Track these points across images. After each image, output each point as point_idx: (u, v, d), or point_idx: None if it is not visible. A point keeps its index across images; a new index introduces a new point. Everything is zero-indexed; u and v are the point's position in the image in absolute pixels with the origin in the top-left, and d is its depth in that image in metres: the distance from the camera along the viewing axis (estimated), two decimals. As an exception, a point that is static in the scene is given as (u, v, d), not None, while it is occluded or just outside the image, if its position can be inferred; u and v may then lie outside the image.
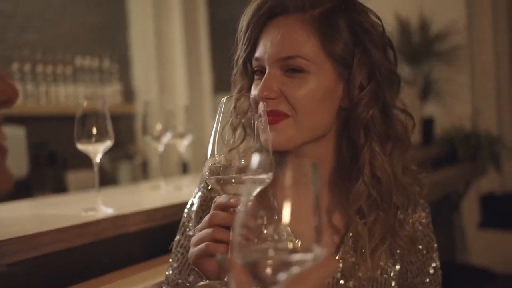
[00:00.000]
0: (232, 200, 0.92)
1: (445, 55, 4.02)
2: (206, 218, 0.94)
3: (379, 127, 1.09)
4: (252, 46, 1.11)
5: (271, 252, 0.62)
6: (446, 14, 4.03)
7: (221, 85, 4.89)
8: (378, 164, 1.09)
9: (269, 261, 0.61)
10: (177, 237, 1.18)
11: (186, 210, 1.19)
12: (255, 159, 0.77)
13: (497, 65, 4.30)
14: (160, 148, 2.15)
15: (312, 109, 1.06)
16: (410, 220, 1.17)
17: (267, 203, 0.66)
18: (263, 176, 0.86)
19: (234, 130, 1.08)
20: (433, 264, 1.23)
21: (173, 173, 3.37)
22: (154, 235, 1.56)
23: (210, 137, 0.95)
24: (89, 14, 4.63)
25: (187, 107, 2.41)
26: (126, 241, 1.54)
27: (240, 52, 1.13)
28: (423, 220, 1.20)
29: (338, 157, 1.14)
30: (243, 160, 0.94)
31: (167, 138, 2.12)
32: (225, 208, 0.93)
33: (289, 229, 0.62)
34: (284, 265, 0.61)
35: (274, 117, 1.04)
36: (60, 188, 3.83)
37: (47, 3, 4.30)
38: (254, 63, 1.10)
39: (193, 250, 0.95)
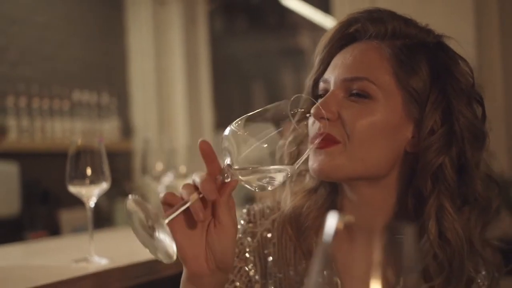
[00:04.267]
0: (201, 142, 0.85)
1: (455, 96, 3.91)
2: None
3: (451, 181, 0.95)
4: (324, 68, 1.02)
5: None
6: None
7: (222, 123, 4.76)
8: (448, 224, 0.94)
9: None
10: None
11: None
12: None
13: (508, 108, 4.19)
14: (161, 189, 2.00)
15: (368, 140, 0.94)
16: None
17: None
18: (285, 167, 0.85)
19: (289, 154, 1.00)
20: None
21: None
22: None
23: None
24: (87, 50, 4.51)
25: (190, 146, 2.27)
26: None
27: (311, 73, 1.05)
28: None
29: (400, 209, 0.99)
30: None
31: (168, 179, 1.97)
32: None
33: None
34: None
35: (324, 141, 0.93)
36: (52, 227, 3.67)
37: (42, 38, 4.17)
38: (320, 85, 1.01)
39: None
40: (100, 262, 1.36)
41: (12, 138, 3.72)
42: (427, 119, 0.95)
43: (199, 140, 0.85)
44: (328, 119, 0.93)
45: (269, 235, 1.05)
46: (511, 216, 3.82)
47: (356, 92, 0.95)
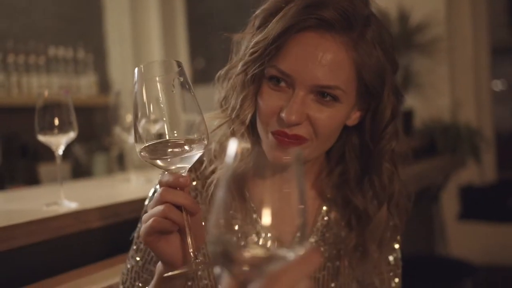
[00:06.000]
0: (181, 179, 0.87)
1: (424, 47, 3.98)
2: (157, 194, 0.89)
3: (397, 150, 1.09)
4: (277, 54, 0.98)
5: (250, 245, 0.57)
6: (425, 6, 3.99)
7: (198, 77, 4.82)
8: (398, 188, 1.10)
9: (247, 254, 0.56)
10: (138, 228, 1.13)
11: (148, 199, 1.14)
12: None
13: (477, 57, 4.28)
14: (131, 139, 2.08)
15: (331, 134, 1.03)
16: None
17: (242, 198, 0.60)
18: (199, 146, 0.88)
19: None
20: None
21: (147, 165, 3.30)
22: (119, 231, 1.49)
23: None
24: (62, 4, 4.52)
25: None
26: (89, 237, 1.47)
27: (256, 56, 1.00)
28: None
29: (329, 162, 1.14)
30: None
31: (137, 129, 2.05)
32: (173, 187, 0.88)
33: (269, 228, 0.57)
34: (263, 261, 0.55)
35: (294, 140, 0.98)
36: (32, 180, 3.75)
37: (17, -8, 4.18)
38: (275, 72, 0.99)
39: (142, 227, 0.90)
40: (69, 205, 1.46)
41: (-11, 93, 3.77)
42: (384, 113, 1.05)
43: (181, 179, 0.87)
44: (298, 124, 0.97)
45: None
46: (477, 164, 3.98)
47: (325, 94, 0.97)
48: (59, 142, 1.47)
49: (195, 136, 0.88)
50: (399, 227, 1.14)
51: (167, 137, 0.87)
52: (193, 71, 4.99)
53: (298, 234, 0.57)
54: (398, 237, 1.17)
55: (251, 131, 1.07)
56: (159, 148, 0.87)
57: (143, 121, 0.89)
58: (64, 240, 1.38)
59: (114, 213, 1.47)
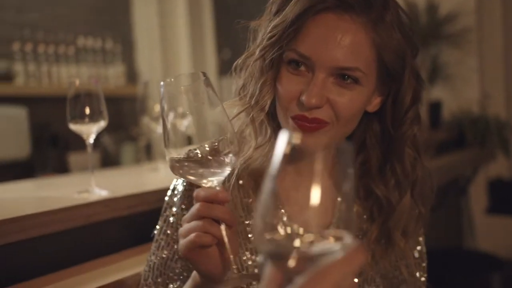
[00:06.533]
0: (220, 196, 0.87)
1: (453, 38, 3.94)
2: (194, 209, 0.88)
3: (420, 138, 1.08)
4: (296, 37, 0.97)
5: (296, 242, 0.56)
6: (454, -4, 3.95)
7: (225, 68, 4.83)
8: (420, 173, 1.08)
9: (294, 252, 0.55)
10: (159, 225, 1.13)
11: (167, 197, 1.14)
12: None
13: (507, 48, 4.22)
14: (159, 129, 2.11)
15: (352, 118, 1.01)
16: None
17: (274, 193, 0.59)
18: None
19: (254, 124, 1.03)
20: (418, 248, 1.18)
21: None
22: (148, 219, 1.52)
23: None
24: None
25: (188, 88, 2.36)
26: (119, 224, 1.49)
27: (274, 40, 0.98)
28: None
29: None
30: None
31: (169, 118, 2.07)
32: (211, 201, 0.88)
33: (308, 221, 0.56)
34: (309, 256, 0.55)
35: (315, 124, 0.97)
36: (62, 169, 3.81)
37: (46, -17, 4.22)
38: (294, 55, 0.98)
39: (182, 241, 0.89)
40: (100, 193, 1.48)
41: (20, 83, 3.83)
42: (405, 97, 1.03)
43: (220, 195, 0.87)
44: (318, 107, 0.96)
45: None
46: (506, 157, 3.92)
47: (346, 76, 0.96)
48: (90, 131, 1.49)
49: (226, 149, 0.88)
50: (423, 215, 1.11)
51: (198, 153, 0.88)
52: (219, 62, 5.01)
53: (342, 229, 0.57)
54: (422, 229, 1.15)
55: (271, 118, 1.05)
56: (189, 164, 0.89)
57: (171, 116, 0.89)
58: (94, 227, 1.40)
59: (143, 201, 1.49)
